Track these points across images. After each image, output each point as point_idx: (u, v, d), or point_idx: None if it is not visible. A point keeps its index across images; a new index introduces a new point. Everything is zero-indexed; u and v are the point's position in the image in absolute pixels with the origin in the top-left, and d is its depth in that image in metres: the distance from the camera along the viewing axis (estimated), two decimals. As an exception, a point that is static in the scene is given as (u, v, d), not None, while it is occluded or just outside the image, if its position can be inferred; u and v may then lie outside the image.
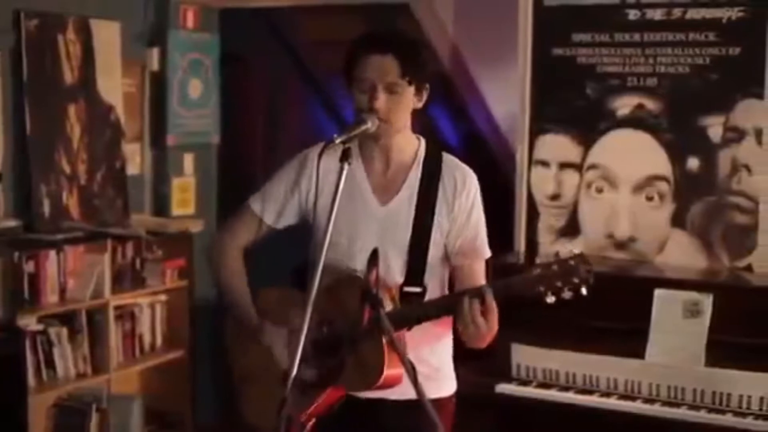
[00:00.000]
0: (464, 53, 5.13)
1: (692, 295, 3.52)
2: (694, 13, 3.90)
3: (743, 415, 3.30)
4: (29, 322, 4.20)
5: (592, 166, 4.09)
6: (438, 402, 2.43)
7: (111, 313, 4.53)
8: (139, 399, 4.65)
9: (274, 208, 2.57)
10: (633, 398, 3.47)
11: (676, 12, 3.93)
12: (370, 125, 2.39)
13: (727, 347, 3.40)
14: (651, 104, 3.98)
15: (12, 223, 4.31)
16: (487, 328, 2.31)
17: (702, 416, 3.32)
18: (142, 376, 4.91)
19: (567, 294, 2.25)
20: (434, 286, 2.51)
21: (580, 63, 4.09)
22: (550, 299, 2.26)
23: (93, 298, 4.45)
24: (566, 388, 3.57)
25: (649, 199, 4.00)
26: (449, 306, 2.38)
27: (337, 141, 2.29)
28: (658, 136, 3.97)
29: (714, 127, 3.88)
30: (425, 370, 2.44)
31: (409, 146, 2.55)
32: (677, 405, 3.40)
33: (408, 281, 2.48)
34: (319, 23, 5.69)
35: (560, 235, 4.16)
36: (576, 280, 2.24)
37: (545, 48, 4.14)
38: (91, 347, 4.47)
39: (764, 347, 3.34)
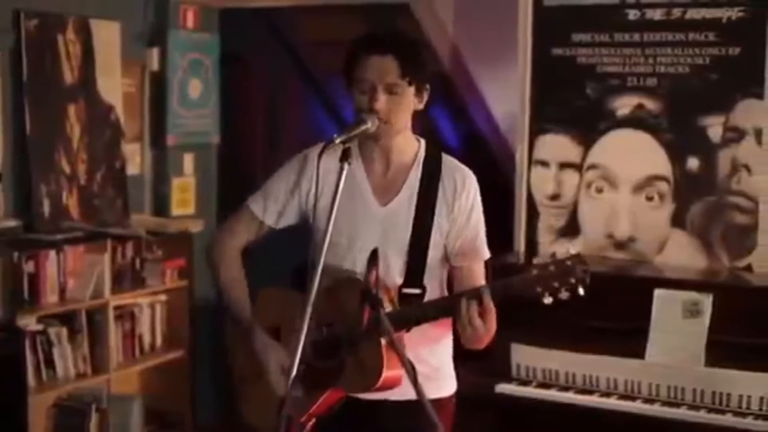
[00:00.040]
0: (464, 53, 5.14)
1: (692, 295, 3.52)
2: (694, 13, 3.90)
3: (743, 415, 3.30)
4: (29, 322, 4.20)
5: (592, 166, 4.09)
6: (438, 402, 2.44)
7: (111, 313, 4.53)
8: (139, 399, 4.66)
9: (274, 209, 2.57)
10: (633, 398, 3.47)
11: (676, 12, 3.93)
12: (370, 125, 2.38)
13: (726, 347, 3.40)
14: (651, 104, 3.98)
15: (12, 223, 4.31)
16: (485, 329, 2.31)
17: (702, 416, 3.32)
18: (142, 376, 4.91)
19: (564, 294, 2.25)
20: (433, 287, 2.51)
21: (580, 63, 4.09)
22: (548, 300, 2.26)
23: (93, 298, 4.45)
24: (566, 388, 3.57)
25: (649, 199, 4.00)
26: (447, 307, 2.38)
27: (337, 141, 2.29)
28: (658, 136, 3.97)
29: (714, 127, 3.88)
30: (425, 370, 2.44)
31: (409, 147, 2.55)
32: (677, 405, 3.40)
33: (407, 282, 2.48)
34: (319, 23, 5.70)
35: (560, 235, 4.16)
36: (573, 281, 2.24)
37: (545, 48, 4.14)
38: (90, 347, 4.47)
39: (764, 347, 3.34)
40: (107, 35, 4.74)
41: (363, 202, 2.51)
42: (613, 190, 4.05)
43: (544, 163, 4.17)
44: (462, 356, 2.59)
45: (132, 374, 4.83)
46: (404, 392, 2.34)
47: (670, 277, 3.73)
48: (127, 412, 4.54)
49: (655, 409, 3.40)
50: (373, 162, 2.53)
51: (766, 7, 3.78)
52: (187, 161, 5.27)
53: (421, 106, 2.52)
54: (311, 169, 2.49)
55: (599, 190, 4.08)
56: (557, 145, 4.14)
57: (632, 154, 4.02)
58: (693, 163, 3.92)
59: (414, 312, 2.41)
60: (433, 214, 2.50)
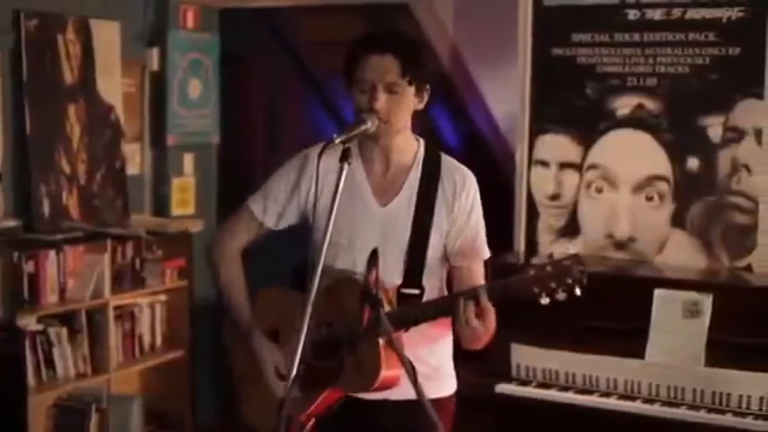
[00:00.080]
0: (464, 53, 5.14)
1: (692, 295, 3.52)
2: (693, 13, 3.90)
3: (743, 415, 3.30)
4: (29, 322, 4.20)
5: (592, 166, 4.09)
6: (438, 402, 2.44)
7: (111, 313, 4.53)
8: (138, 399, 4.65)
9: (274, 210, 2.57)
10: (633, 398, 3.47)
11: (676, 12, 3.93)
12: (370, 125, 2.38)
13: (726, 347, 3.40)
14: (651, 104, 3.98)
15: (12, 223, 4.31)
16: (483, 329, 2.31)
17: (702, 416, 3.32)
18: (142, 376, 4.91)
19: (561, 295, 2.25)
20: (432, 288, 2.51)
21: (580, 63, 4.09)
22: (545, 300, 2.26)
23: (93, 298, 4.45)
24: (566, 388, 3.57)
25: (649, 199, 4.00)
26: (446, 307, 2.38)
27: (337, 141, 2.29)
28: (658, 136, 3.97)
29: (714, 127, 3.88)
30: (424, 370, 2.44)
31: (409, 147, 2.55)
32: (677, 405, 3.40)
33: (406, 282, 2.48)
34: (319, 23, 5.70)
35: (560, 235, 4.16)
36: (570, 281, 2.24)
37: (545, 48, 4.14)
38: (90, 347, 4.47)
39: (764, 347, 3.34)
40: (107, 35, 4.74)
41: (363, 202, 2.51)
42: (613, 190, 4.05)
43: (544, 163, 4.17)
44: (462, 356, 2.59)
45: (132, 374, 4.83)
46: (404, 392, 2.34)
47: (670, 277, 3.73)
48: (127, 412, 4.54)
49: (655, 409, 3.40)
50: (372, 162, 2.53)
51: (766, 7, 3.78)
52: (187, 161, 5.27)
53: (421, 106, 2.52)
54: (311, 169, 2.49)
55: (599, 190, 4.08)
56: (557, 145, 4.14)
57: (632, 154, 4.02)
58: (693, 163, 3.92)
59: (413, 312, 2.41)
60: (432, 214, 2.50)
